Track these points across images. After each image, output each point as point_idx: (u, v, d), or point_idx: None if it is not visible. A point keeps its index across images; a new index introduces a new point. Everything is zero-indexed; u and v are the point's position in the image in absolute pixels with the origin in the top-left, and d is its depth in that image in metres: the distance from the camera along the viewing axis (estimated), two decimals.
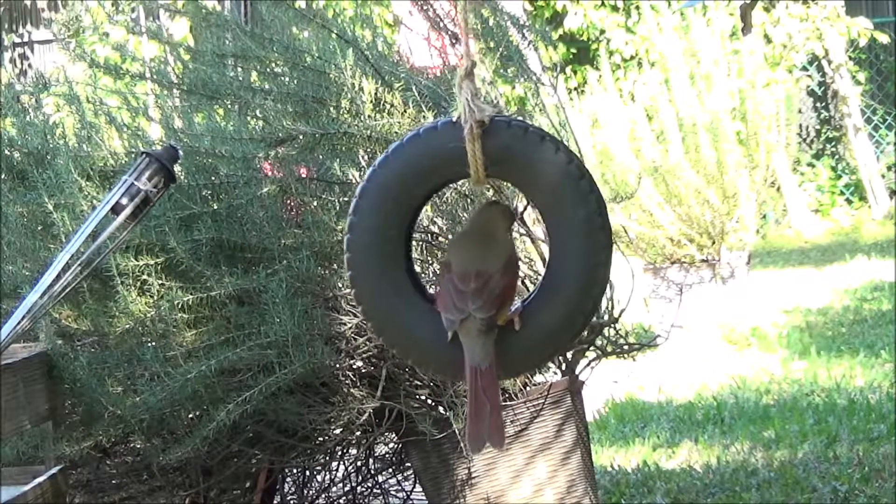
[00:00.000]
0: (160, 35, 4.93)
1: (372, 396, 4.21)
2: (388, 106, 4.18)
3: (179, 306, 4.06)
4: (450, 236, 4.27)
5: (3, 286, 4.12)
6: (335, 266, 4.25)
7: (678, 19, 11.14)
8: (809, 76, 15.76)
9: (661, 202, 10.35)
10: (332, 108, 4.23)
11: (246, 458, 4.40)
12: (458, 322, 2.69)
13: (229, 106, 4.47)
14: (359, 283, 2.77)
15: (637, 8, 14.60)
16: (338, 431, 4.33)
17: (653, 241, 10.44)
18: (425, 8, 4.53)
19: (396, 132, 4.11)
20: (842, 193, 15.65)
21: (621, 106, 10.81)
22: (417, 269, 4.35)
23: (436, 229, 4.34)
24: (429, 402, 4.33)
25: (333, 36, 4.30)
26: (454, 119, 2.73)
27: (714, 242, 10.40)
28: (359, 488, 4.73)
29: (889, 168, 15.68)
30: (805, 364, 7.63)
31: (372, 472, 4.74)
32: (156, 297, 4.06)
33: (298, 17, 4.43)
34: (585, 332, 4.39)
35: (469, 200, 4.27)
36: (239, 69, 4.54)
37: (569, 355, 4.41)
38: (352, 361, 4.25)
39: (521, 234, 4.29)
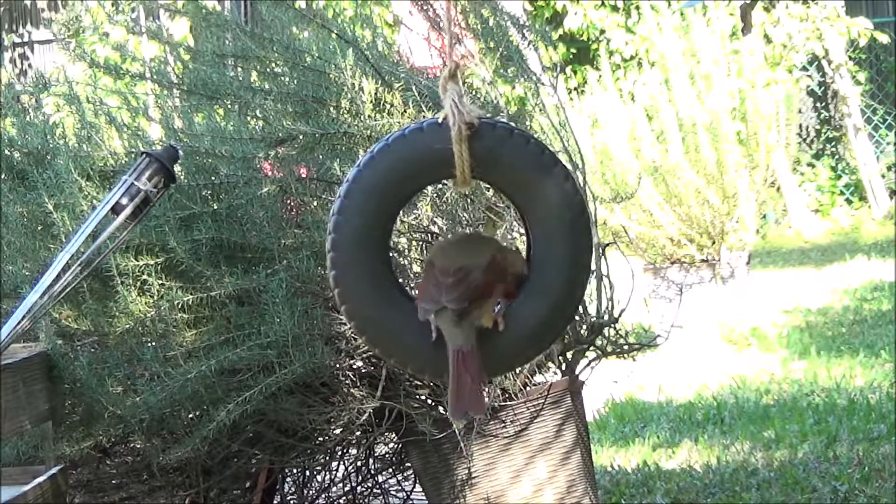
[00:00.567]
0: (160, 35, 4.92)
1: (372, 396, 4.21)
2: (388, 106, 4.18)
3: (179, 306, 4.06)
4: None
5: (3, 286, 4.12)
6: None
7: (678, 19, 11.14)
8: (809, 76, 15.76)
9: (661, 202, 10.35)
10: (332, 108, 4.24)
11: (246, 458, 4.40)
12: (431, 311, 2.73)
13: (229, 106, 4.47)
14: (343, 283, 2.77)
15: (637, 8, 14.60)
16: (338, 431, 4.33)
17: (653, 241, 10.43)
18: (425, 8, 4.53)
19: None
20: (842, 193, 15.65)
21: (621, 106, 10.81)
22: (417, 269, 4.36)
23: (436, 229, 4.34)
24: (429, 402, 4.33)
25: (333, 36, 4.31)
26: (440, 120, 2.74)
27: (714, 242, 10.40)
28: (359, 488, 4.73)
29: (889, 168, 15.68)
30: (805, 364, 7.63)
31: (372, 472, 4.74)
32: (156, 297, 4.06)
33: (298, 17, 4.43)
34: (585, 332, 4.40)
35: (469, 200, 4.27)
36: (239, 69, 4.54)
37: (569, 355, 4.41)
38: (352, 361, 4.25)
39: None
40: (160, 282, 4.07)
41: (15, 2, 15.99)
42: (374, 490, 4.78)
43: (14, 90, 4.73)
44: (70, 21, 15.18)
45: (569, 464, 4.31)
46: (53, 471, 3.52)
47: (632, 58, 14.49)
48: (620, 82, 13.27)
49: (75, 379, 3.96)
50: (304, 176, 4.34)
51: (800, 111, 14.68)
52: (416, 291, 2.83)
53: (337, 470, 4.73)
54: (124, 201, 3.41)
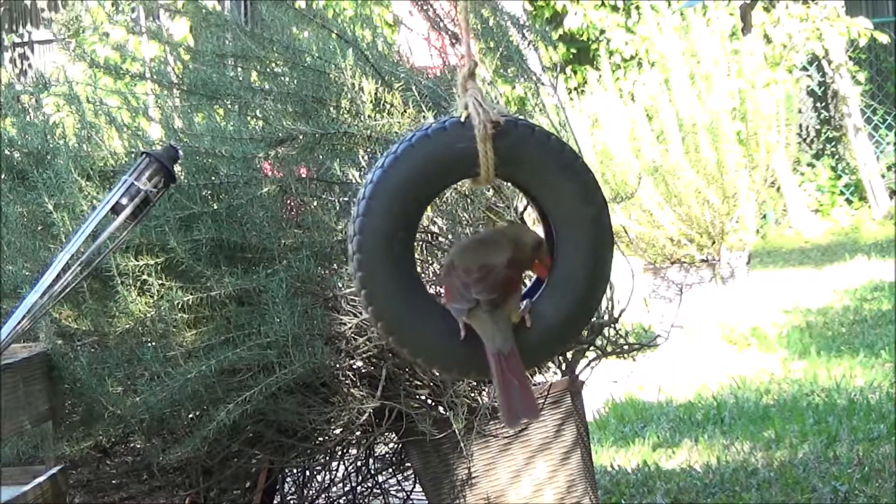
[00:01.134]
0: (160, 35, 4.92)
1: (372, 396, 4.21)
2: (388, 106, 4.18)
3: (179, 306, 4.06)
4: (450, 236, 4.27)
5: (3, 286, 4.12)
6: (335, 266, 4.25)
7: (678, 19, 11.13)
8: (809, 76, 15.76)
9: (661, 202, 10.35)
10: (332, 108, 4.24)
11: (246, 458, 4.40)
12: (465, 311, 2.72)
13: (229, 106, 4.47)
14: (370, 285, 2.75)
15: (637, 8, 14.59)
16: (338, 431, 4.33)
17: (653, 241, 10.43)
18: (425, 8, 4.53)
19: (396, 132, 4.11)
20: (842, 193, 15.65)
21: (621, 106, 10.81)
22: (417, 269, 4.36)
23: (436, 229, 4.33)
24: (429, 402, 4.33)
25: (333, 36, 4.30)
26: (462, 119, 2.74)
27: (714, 242, 10.40)
28: (359, 488, 4.73)
29: (889, 168, 15.68)
30: (805, 364, 7.63)
31: (372, 472, 4.74)
32: (156, 297, 4.06)
33: (298, 17, 4.42)
34: (585, 332, 4.40)
35: (469, 200, 4.27)
36: (239, 69, 4.54)
37: (569, 355, 4.41)
38: (352, 361, 4.25)
39: None
40: (160, 282, 4.07)
41: (15, 2, 15.99)
42: (374, 490, 4.78)
43: (14, 90, 4.73)
44: (70, 21, 15.19)
45: (569, 463, 4.31)
46: (53, 471, 3.52)
47: (632, 58, 14.49)
48: (620, 82, 13.27)
49: (75, 379, 3.96)
50: (304, 176, 4.34)
51: (800, 111, 14.69)
52: (443, 295, 2.82)
53: (337, 470, 4.73)
54: (124, 201, 3.41)
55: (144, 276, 4.06)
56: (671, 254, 10.45)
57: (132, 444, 4.38)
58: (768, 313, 9.31)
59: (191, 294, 4.06)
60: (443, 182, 2.84)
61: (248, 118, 4.44)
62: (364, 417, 4.22)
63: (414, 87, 4.25)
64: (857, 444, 5.72)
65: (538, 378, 4.44)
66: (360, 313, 4.16)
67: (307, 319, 4.07)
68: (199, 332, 4.08)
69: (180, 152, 3.68)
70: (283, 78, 4.41)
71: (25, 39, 16.27)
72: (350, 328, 4.18)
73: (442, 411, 4.28)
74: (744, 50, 11.47)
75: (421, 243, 4.33)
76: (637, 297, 4.66)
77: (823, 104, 15.97)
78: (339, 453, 4.62)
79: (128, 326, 4.09)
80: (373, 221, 2.74)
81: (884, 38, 14.96)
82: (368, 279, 2.75)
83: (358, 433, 4.35)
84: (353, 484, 4.72)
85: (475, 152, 2.73)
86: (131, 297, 4.05)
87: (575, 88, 13.73)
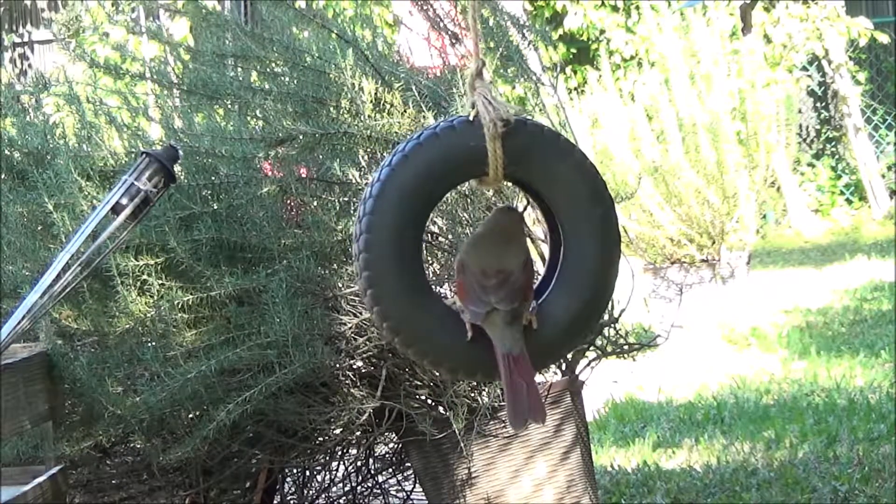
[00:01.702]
0: (160, 35, 4.92)
1: (372, 396, 4.21)
2: (388, 106, 4.18)
3: (179, 306, 4.06)
4: (450, 236, 4.27)
5: (3, 286, 4.12)
6: (335, 266, 4.25)
7: (678, 19, 11.14)
8: (809, 76, 15.76)
9: (661, 202, 10.36)
10: (332, 108, 4.24)
11: (246, 458, 4.40)
12: (483, 314, 2.71)
13: (229, 106, 4.47)
14: (377, 284, 2.73)
15: (637, 8, 14.60)
16: (338, 431, 4.33)
17: (653, 241, 10.44)
18: (425, 8, 4.53)
19: (396, 132, 4.11)
20: (842, 193, 15.65)
21: (621, 106, 10.81)
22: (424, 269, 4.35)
23: (436, 229, 4.34)
24: (429, 402, 4.33)
25: (333, 36, 4.30)
26: (471, 118, 2.73)
27: (714, 242, 10.40)
28: (359, 488, 4.73)
29: (889, 168, 15.68)
30: (805, 364, 7.63)
31: (372, 472, 4.74)
32: (156, 297, 4.06)
33: (298, 17, 4.42)
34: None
35: (469, 200, 4.27)
36: (239, 69, 4.54)
37: (569, 355, 4.41)
38: (352, 361, 4.25)
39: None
40: (160, 282, 4.07)
41: (15, 2, 15.99)
42: (374, 490, 4.78)
43: (14, 90, 4.73)
44: (70, 21, 15.19)
45: (568, 462, 4.31)
46: (53, 471, 3.52)
47: (632, 58, 14.50)
48: (620, 82, 13.28)
49: (75, 379, 3.96)
50: (304, 176, 4.34)
51: (800, 111, 14.69)
52: (456, 295, 2.80)
53: (337, 470, 4.73)
54: (124, 201, 3.41)
55: (144, 276, 4.06)
56: (671, 254, 10.45)
57: (132, 444, 4.38)
58: (768, 313, 9.31)
59: (191, 294, 4.06)
60: (451, 181, 2.82)
61: (248, 118, 4.44)
62: (364, 417, 4.22)
63: (414, 87, 4.25)
64: (857, 444, 5.72)
65: (538, 378, 4.44)
66: (361, 313, 4.16)
67: (307, 319, 4.06)
68: (199, 332, 4.08)
69: (180, 152, 3.68)
70: (283, 78, 4.41)
71: (25, 39, 16.27)
72: (350, 328, 4.18)
73: (442, 411, 4.28)
74: (744, 50, 11.48)
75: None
76: (637, 297, 4.66)
77: (823, 104, 15.97)
78: (339, 453, 4.62)
79: (128, 326, 4.09)
80: (381, 220, 2.72)
81: (884, 38, 14.96)
82: (375, 278, 2.73)
83: (358, 433, 4.35)
84: (353, 484, 4.72)
85: (484, 151, 2.72)
86: (131, 297, 4.05)
87: (575, 88, 13.73)
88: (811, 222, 14.92)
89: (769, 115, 10.68)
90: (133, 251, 4.06)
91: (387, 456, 4.71)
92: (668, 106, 10.47)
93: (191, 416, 4.20)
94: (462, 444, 4.22)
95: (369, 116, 4.15)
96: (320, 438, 4.38)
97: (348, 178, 4.28)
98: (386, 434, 4.42)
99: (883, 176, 15.53)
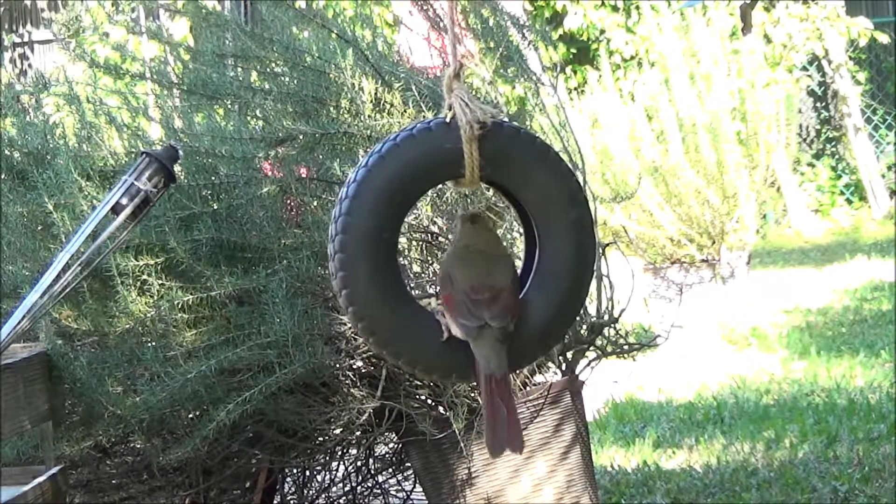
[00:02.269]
0: (160, 35, 4.92)
1: (372, 396, 4.21)
2: (388, 106, 4.18)
3: (179, 306, 4.06)
4: (449, 236, 4.27)
5: (3, 286, 4.12)
6: None
7: (678, 19, 11.14)
8: (809, 76, 15.76)
9: (661, 202, 10.36)
10: (332, 108, 4.24)
11: (246, 458, 4.40)
12: (475, 329, 2.70)
13: (229, 106, 4.47)
14: (351, 285, 2.73)
15: (637, 8, 14.60)
16: (338, 431, 4.33)
17: (653, 241, 10.44)
18: (425, 8, 4.53)
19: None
20: (842, 193, 15.65)
21: (621, 106, 10.82)
22: (417, 269, 4.36)
23: (436, 229, 4.34)
24: (429, 402, 4.33)
25: (333, 36, 4.30)
26: (448, 119, 2.73)
27: (714, 242, 10.41)
28: (359, 488, 4.73)
29: (889, 168, 15.68)
30: (805, 364, 7.63)
31: (372, 472, 4.74)
32: (156, 297, 4.06)
33: (298, 17, 4.43)
34: (585, 332, 4.40)
35: (469, 200, 4.26)
36: (239, 69, 4.54)
37: (569, 355, 4.41)
38: (352, 361, 4.25)
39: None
40: (160, 282, 4.07)
41: (15, 2, 15.99)
42: (374, 490, 4.78)
43: (14, 90, 4.73)
44: (70, 21, 15.19)
45: (568, 461, 4.31)
46: (53, 471, 3.51)
47: (632, 58, 14.50)
48: (620, 82, 13.28)
49: (75, 379, 3.96)
50: (304, 176, 4.34)
51: (800, 111, 14.69)
52: (443, 306, 2.78)
53: (337, 470, 4.73)
54: (124, 201, 3.41)
55: (144, 276, 4.07)
56: (671, 254, 10.45)
57: (132, 444, 4.38)
58: (768, 313, 9.31)
59: (191, 294, 4.06)
60: (428, 183, 2.82)
61: (248, 118, 4.44)
62: (364, 417, 4.22)
63: (414, 87, 4.25)
64: (857, 444, 5.72)
65: (538, 378, 4.44)
66: None
67: (307, 319, 4.07)
68: (199, 332, 4.08)
69: (180, 152, 3.68)
70: (283, 78, 4.41)
71: (25, 39, 16.27)
72: (350, 328, 4.18)
73: (442, 411, 4.28)
74: (744, 50, 11.48)
75: (421, 243, 4.33)
76: (637, 297, 4.66)
77: (823, 104, 15.97)
78: (339, 453, 4.62)
79: (128, 326, 4.09)
80: (357, 221, 2.71)
81: (884, 38, 14.96)
82: (350, 279, 2.72)
83: (358, 433, 4.35)
84: (353, 484, 4.72)
85: (460, 153, 2.71)
86: (131, 297, 4.05)
87: (575, 88, 13.73)
88: (811, 222, 14.92)
89: (769, 115, 10.68)
90: (133, 251, 4.06)
91: (387, 456, 4.71)
92: (668, 106, 10.48)
93: (191, 416, 4.20)
94: (462, 444, 4.22)
95: (369, 116, 4.15)
96: (320, 438, 4.38)
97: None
98: (386, 434, 4.42)
99: (883, 176, 15.53)
